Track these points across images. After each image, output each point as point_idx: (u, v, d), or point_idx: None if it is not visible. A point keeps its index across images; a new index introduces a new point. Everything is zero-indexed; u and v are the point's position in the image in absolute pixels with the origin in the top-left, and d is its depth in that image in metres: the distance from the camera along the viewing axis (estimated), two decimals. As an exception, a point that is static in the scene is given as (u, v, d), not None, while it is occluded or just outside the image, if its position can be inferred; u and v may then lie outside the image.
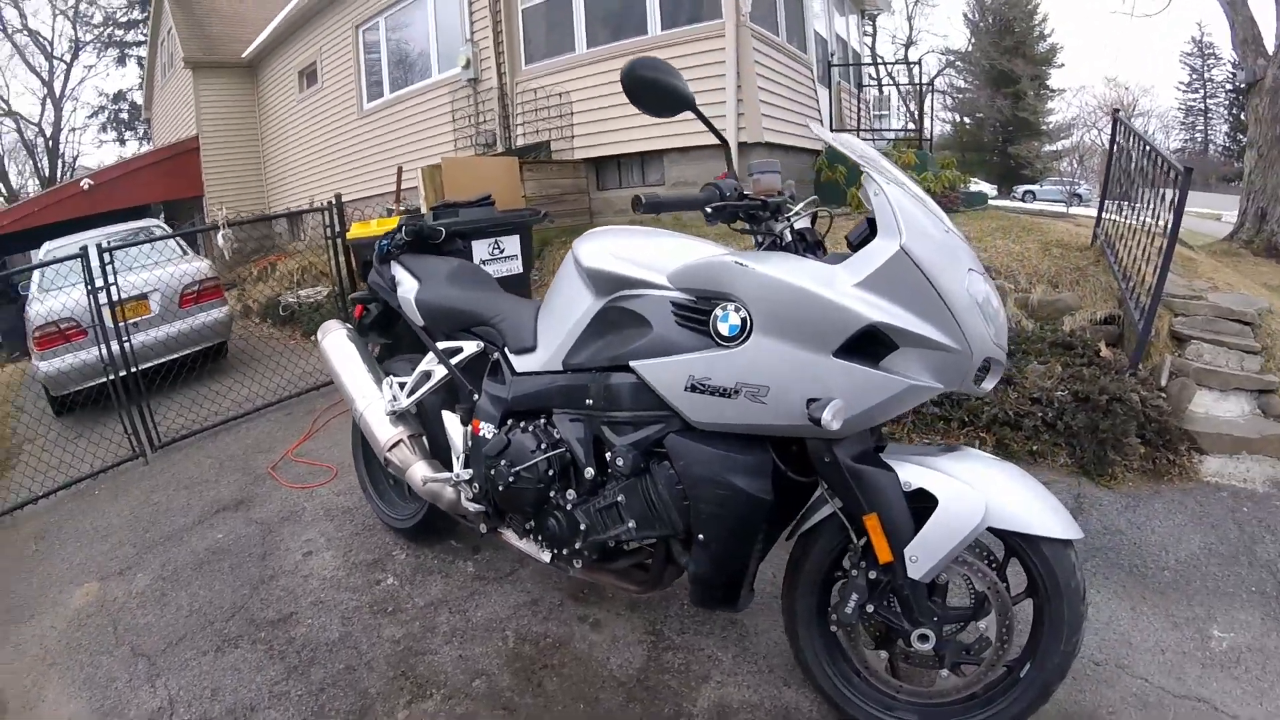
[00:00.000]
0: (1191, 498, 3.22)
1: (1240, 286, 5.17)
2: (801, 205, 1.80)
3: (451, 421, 2.47)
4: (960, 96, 36.74)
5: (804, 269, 1.63)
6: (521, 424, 2.18)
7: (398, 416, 2.67)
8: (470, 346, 2.43)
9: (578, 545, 2.07)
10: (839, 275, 1.58)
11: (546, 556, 2.21)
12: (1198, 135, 43.45)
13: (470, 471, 2.35)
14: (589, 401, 1.98)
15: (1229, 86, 40.41)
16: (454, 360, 2.45)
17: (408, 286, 2.64)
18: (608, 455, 1.95)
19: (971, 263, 1.62)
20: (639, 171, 8.07)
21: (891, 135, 11.47)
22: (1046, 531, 1.64)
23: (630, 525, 1.94)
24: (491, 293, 2.57)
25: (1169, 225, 3.68)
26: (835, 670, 1.97)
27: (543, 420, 2.14)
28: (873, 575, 1.76)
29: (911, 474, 1.67)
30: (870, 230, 1.63)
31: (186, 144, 14.21)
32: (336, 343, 2.96)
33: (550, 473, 2.07)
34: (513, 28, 8.63)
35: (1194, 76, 43.41)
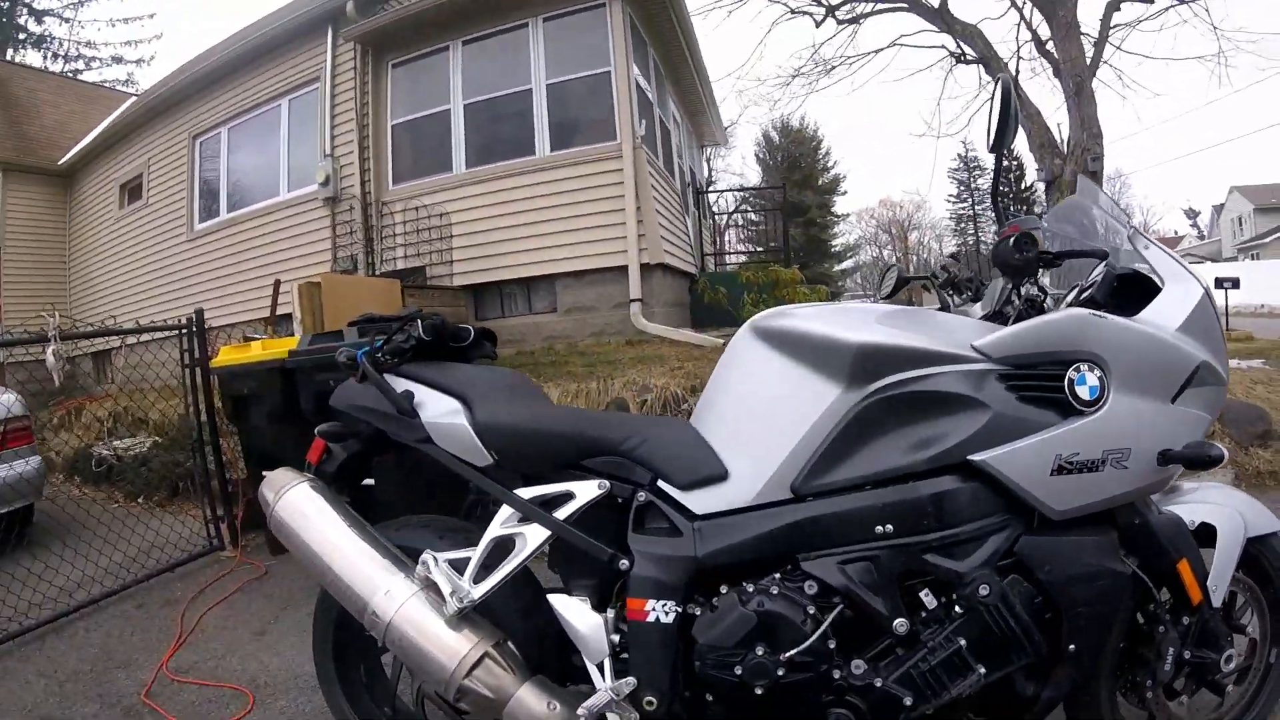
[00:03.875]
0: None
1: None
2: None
3: (574, 609, 1.71)
4: (756, 229, 40.10)
5: (1128, 320, 1.64)
6: (750, 589, 1.61)
7: (460, 617, 1.70)
8: (586, 489, 1.71)
9: None
10: (1158, 321, 1.63)
11: None
12: (969, 239, 49.33)
13: (633, 680, 1.63)
14: (884, 529, 1.57)
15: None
16: (562, 513, 1.71)
17: (443, 409, 1.84)
18: (933, 595, 1.60)
19: None
20: (524, 298, 7.57)
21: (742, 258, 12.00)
22: (1275, 527, 1.82)
23: (979, 671, 1.56)
24: (591, 411, 2.00)
25: None
26: None
27: (778, 575, 1.61)
28: (1186, 621, 1.74)
29: (1185, 513, 1.75)
30: (1114, 285, 1.69)
31: (-14, 261, 12.20)
32: (304, 504, 1.90)
33: (832, 645, 1.57)
34: (380, 144, 8.06)
35: (962, 188, 49.51)
